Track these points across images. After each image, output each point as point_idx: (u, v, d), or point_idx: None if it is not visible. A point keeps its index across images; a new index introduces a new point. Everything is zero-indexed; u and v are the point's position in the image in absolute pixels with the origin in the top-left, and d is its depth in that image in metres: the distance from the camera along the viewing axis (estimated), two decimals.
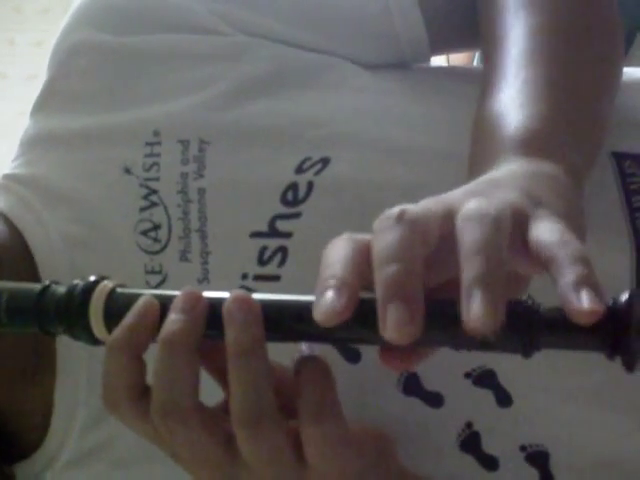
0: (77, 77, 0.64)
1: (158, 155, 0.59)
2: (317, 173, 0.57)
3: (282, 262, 0.55)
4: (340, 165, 0.57)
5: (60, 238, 0.59)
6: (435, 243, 0.38)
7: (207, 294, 0.41)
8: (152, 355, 0.41)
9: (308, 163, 0.57)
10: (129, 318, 0.41)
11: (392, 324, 0.34)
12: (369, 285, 0.36)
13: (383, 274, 0.35)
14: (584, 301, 0.33)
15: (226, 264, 0.56)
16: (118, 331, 0.41)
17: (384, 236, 0.37)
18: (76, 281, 0.43)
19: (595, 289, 0.34)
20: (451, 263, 0.36)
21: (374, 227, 0.38)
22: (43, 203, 0.60)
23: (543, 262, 0.36)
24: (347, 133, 0.59)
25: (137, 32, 0.63)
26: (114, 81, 0.63)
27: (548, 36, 0.56)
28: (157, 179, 0.58)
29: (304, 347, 0.41)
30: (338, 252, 0.37)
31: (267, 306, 0.40)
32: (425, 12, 0.64)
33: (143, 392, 0.42)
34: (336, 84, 0.62)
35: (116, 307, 0.42)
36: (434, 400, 0.54)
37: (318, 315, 0.35)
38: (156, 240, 0.57)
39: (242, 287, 0.55)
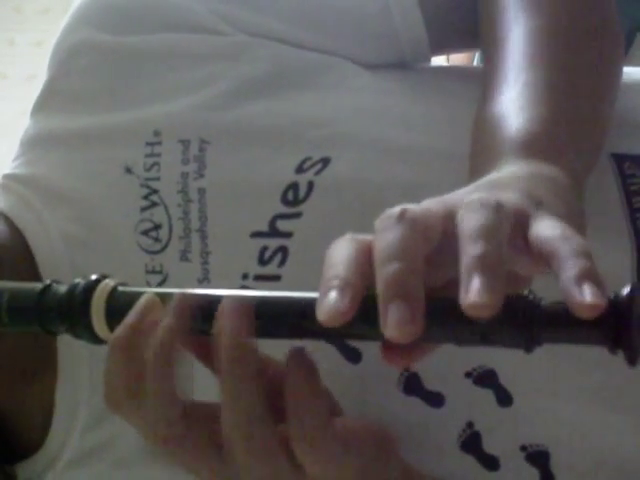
0: (77, 77, 0.64)
1: (159, 155, 0.59)
2: (317, 173, 0.57)
3: (282, 262, 0.56)
4: (340, 165, 0.57)
5: (61, 238, 0.59)
6: (436, 242, 0.38)
7: (204, 291, 0.42)
8: None
9: (308, 163, 0.57)
10: (131, 316, 0.41)
11: (393, 322, 0.34)
12: (372, 285, 0.36)
13: (384, 273, 0.35)
14: (586, 295, 0.33)
15: (226, 264, 0.56)
16: (120, 329, 0.41)
17: (385, 235, 0.37)
18: (77, 280, 0.43)
19: (597, 283, 0.34)
20: (452, 263, 0.36)
21: (375, 226, 0.38)
22: (43, 203, 0.60)
23: (545, 257, 0.36)
24: (347, 133, 0.59)
25: (137, 32, 0.63)
26: (114, 81, 0.63)
27: (548, 38, 0.57)
28: (158, 179, 0.58)
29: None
30: (341, 253, 0.37)
31: (269, 303, 0.40)
32: (425, 12, 0.64)
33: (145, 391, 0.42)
34: (336, 84, 0.62)
35: (118, 306, 0.42)
36: (435, 400, 0.55)
37: (321, 315, 0.35)
38: (157, 240, 0.57)
39: (242, 287, 0.55)
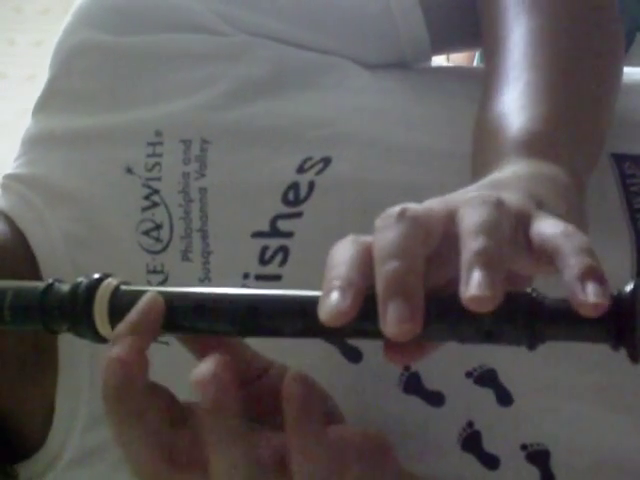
0: (78, 77, 0.64)
1: (160, 155, 0.59)
2: (318, 173, 0.57)
3: (283, 262, 0.56)
4: (341, 165, 0.57)
5: (62, 237, 0.59)
6: (437, 241, 0.38)
7: (202, 290, 0.42)
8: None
9: (309, 163, 0.57)
10: (133, 314, 0.41)
11: (392, 321, 0.34)
12: (374, 285, 0.36)
13: (383, 271, 0.36)
14: (590, 294, 0.34)
15: (227, 264, 0.56)
16: (122, 327, 0.41)
17: (385, 233, 0.37)
18: (80, 279, 0.43)
19: (600, 281, 0.34)
20: (454, 262, 0.36)
21: (376, 225, 0.38)
22: (45, 202, 0.60)
23: (547, 255, 0.36)
24: (348, 133, 0.59)
25: (138, 32, 0.63)
26: (115, 81, 0.63)
27: (549, 38, 0.57)
28: (159, 179, 0.58)
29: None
30: (343, 254, 0.38)
31: (270, 302, 0.40)
32: (426, 12, 0.64)
33: None
34: (337, 84, 0.62)
35: (120, 304, 0.42)
36: (435, 399, 0.55)
37: (323, 314, 0.35)
38: (158, 240, 0.57)
39: (243, 286, 0.55)
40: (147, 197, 0.58)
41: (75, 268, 0.58)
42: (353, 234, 0.39)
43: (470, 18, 0.65)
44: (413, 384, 0.54)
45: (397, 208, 0.38)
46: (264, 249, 0.56)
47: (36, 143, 0.63)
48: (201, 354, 0.42)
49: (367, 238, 0.38)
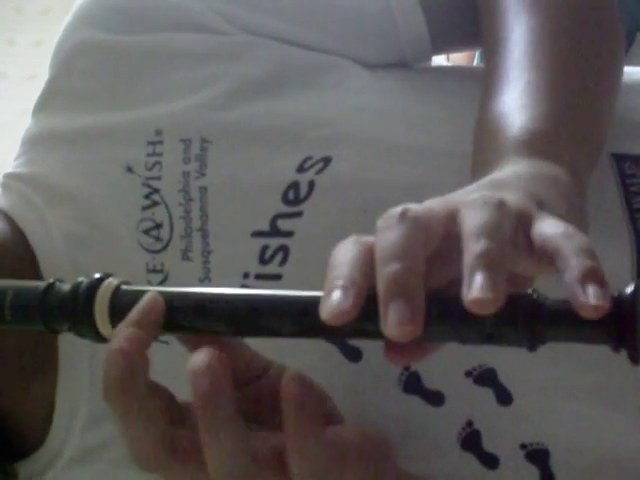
0: (79, 76, 0.64)
1: (160, 154, 0.59)
2: (318, 172, 0.57)
3: (283, 261, 0.56)
4: (341, 164, 0.57)
5: (62, 237, 0.59)
6: (438, 242, 0.38)
7: (201, 290, 0.42)
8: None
9: (309, 162, 0.57)
10: (134, 314, 0.41)
11: (393, 322, 0.34)
12: (375, 285, 0.36)
13: (385, 272, 0.36)
14: (591, 296, 0.34)
15: (227, 263, 0.56)
16: (122, 326, 0.41)
17: (386, 234, 0.37)
18: (81, 278, 0.43)
19: (601, 283, 0.34)
20: (455, 262, 0.36)
21: (377, 225, 0.38)
22: (45, 202, 0.60)
23: (548, 255, 0.36)
24: (348, 133, 0.59)
25: (138, 31, 0.63)
26: (116, 80, 0.63)
27: (549, 37, 0.57)
28: (159, 178, 0.58)
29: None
30: (345, 254, 0.38)
31: (271, 301, 0.40)
32: (426, 12, 0.64)
33: None
34: (337, 83, 0.62)
35: (121, 304, 0.42)
36: (435, 399, 0.55)
37: (325, 314, 0.36)
38: (158, 239, 0.57)
39: (243, 286, 0.55)
40: (147, 196, 0.58)
41: (75, 267, 0.58)
42: (355, 234, 0.39)
43: (470, 18, 0.65)
44: (413, 383, 0.55)
45: (399, 209, 0.38)
46: (264, 248, 0.56)
47: (36, 142, 0.63)
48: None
49: (369, 238, 0.38)
